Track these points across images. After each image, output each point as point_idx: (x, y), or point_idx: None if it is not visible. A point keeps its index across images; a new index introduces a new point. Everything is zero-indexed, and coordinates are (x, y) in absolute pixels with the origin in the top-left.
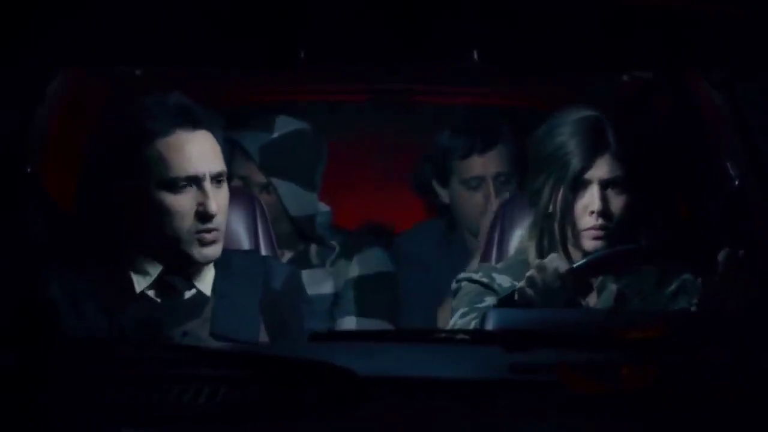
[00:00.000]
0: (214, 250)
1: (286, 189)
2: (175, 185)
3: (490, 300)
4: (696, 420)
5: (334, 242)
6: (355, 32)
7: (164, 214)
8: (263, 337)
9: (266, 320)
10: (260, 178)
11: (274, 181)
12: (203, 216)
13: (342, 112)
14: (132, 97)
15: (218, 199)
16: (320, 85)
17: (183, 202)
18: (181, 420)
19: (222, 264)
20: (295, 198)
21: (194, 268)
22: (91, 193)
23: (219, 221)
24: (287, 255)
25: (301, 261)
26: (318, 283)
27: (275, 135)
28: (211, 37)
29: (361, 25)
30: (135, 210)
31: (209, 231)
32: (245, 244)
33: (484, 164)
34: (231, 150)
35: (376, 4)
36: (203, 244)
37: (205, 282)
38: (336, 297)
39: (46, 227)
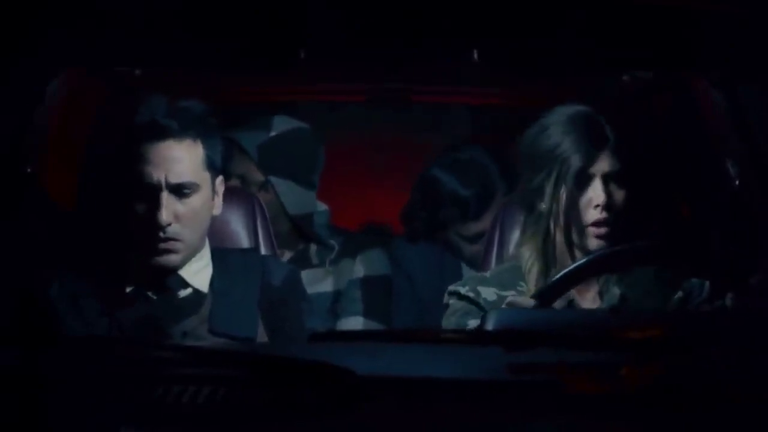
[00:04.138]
0: (169, 259)
1: (284, 187)
2: (136, 191)
3: (473, 323)
4: (696, 420)
5: (333, 242)
6: (354, 32)
7: (132, 218)
8: (262, 335)
9: (266, 319)
10: (258, 176)
11: (273, 179)
12: (156, 225)
13: (341, 112)
14: (131, 97)
15: (176, 209)
16: (320, 84)
17: (140, 209)
18: (180, 420)
19: (220, 262)
20: (294, 196)
21: (160, 272)
22: (91, 193)
23: (175, 231)
24: (287, 254)
25: (301, 260)
26: (318, 283)
27: (273, 134)
28: (211, 37)
29: (361, 25)
30: (125, 212)
31: (163, 240)
32: (244, 242)
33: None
34: (229, 149)
35: (376, 4)
36: (158, 252)
37: (201, 281)
38: (336, 296)
39: (46, 227)
